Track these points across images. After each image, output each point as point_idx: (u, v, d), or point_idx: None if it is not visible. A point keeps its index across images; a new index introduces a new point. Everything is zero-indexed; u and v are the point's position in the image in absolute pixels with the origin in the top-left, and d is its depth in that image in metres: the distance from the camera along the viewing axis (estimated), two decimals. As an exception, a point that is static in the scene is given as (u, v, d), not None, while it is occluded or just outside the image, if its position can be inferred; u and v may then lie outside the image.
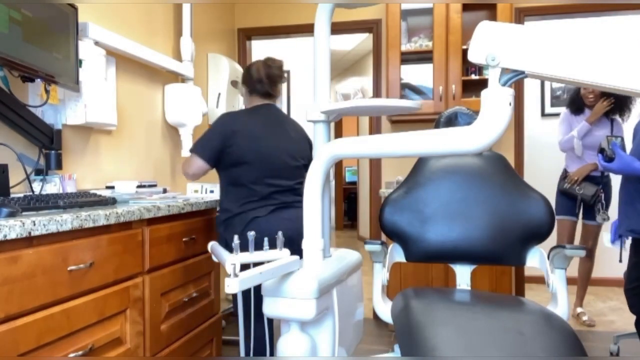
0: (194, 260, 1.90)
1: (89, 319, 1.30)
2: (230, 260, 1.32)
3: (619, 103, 3.06)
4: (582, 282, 3.33)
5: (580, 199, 3.11)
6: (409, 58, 3.30)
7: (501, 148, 3.36)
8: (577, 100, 3.21)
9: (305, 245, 1.39)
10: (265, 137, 1.94)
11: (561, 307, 1.57)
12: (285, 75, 2.08)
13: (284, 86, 5.77)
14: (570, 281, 3.23)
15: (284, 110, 5.67)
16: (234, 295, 1.99)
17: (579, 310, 3.33)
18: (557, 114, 4.43)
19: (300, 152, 2.04)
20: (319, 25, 1.52)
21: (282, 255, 1.45)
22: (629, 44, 1.00)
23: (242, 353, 1.30)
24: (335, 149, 1.34)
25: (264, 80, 2.04)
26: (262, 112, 2.03)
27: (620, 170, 2.03)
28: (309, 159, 2.07)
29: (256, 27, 3.67)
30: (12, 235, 1.03)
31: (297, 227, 1.91)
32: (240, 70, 3.42)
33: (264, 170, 1.91)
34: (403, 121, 3.36)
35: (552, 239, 1.77)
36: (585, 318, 3.23)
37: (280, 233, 1.45)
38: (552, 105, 4.48)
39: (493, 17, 3.14)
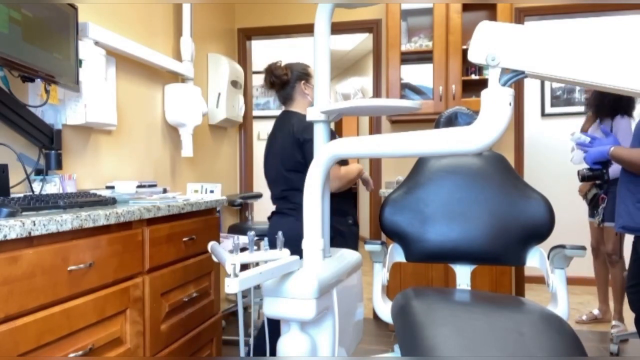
0: (194, 260, 1.90)
1: (89, 319, 1.30)
2: (230, 260, 1.32)
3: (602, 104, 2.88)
4: (615, 294, 3.02)
5: (588, 200, 3.13)
6: (409, 58, 3.30)
7: (501, 148, 3.36)
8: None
9: (305, 245, 1.39)
10: (267, 149, 2.15)
11: (561, 307, 1.57)
12: (286, 73, 2.11)
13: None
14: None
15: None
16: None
17: (613, 322, 2.99)
18: (557, 114, 4.44)
19: (289, 158, 2.00)
20: (319, 25, 1.52)
21: (282, 255, 1.44)
22: (629, 44, 1.00)
23: (242, 353, 1.30)
24: (335, 149, 1.34)
25: (270, 89, 2.15)
26: (275, 123, 2.17)
27: (597, 153, 2.09)
28: (297, 161, 1.99)
29: (256, 27, 3.67)
30: (12, 235, 1.03)
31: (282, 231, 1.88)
32: (240, 70, 3.42)
33: (267, 180, 2.14)
34: (403, 121, 3.36)
35: (552, 239, 1.77)
36: (614, 331, 2.88)
37: (280, 233, 1.45)
38: (552, 105, 4.48)
39: (493, 17, 3.14)
